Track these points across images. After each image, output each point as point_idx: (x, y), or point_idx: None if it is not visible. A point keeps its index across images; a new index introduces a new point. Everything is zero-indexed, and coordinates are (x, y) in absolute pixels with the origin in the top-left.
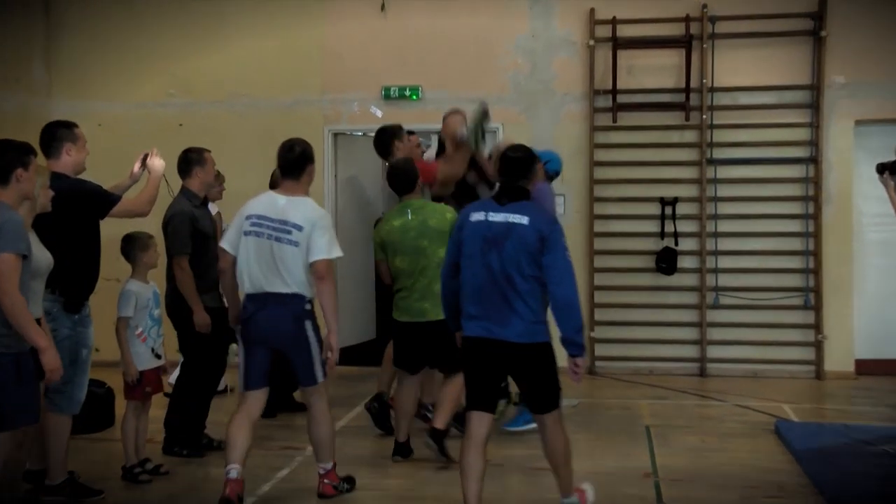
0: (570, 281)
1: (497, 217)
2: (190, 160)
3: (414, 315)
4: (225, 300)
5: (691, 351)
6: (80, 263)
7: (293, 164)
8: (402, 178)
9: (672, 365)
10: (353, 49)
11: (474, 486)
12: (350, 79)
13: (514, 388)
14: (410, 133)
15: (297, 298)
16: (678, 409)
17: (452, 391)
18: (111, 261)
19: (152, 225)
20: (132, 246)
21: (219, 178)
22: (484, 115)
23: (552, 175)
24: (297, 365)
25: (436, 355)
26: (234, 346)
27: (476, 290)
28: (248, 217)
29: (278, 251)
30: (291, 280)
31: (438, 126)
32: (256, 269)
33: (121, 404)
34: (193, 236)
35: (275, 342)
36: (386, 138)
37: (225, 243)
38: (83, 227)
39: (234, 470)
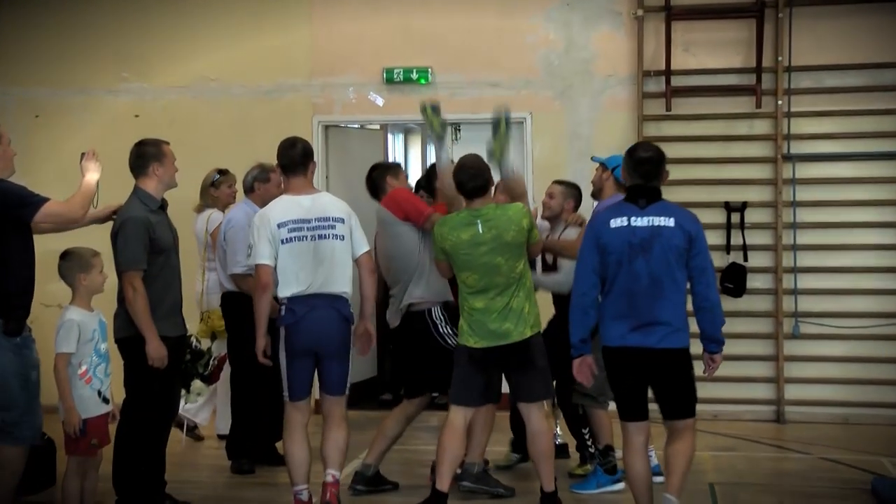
0: (715, 282)
1: (641, 221)
2: (145, 155)
3: (494, 338)
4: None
5: (765, 391)
6: (18, 279)
7: (300, 161)
8: (474, 179)
9: (741, 408)
10: (348, 23)
11: (647, 494)
12: (344, 59)
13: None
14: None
15: (342, 300)
16: (750, 463)
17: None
18: (50, 283)
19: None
20: (70, 265)
21: (228, 178)
22: (507, 124)
23: (623, 185)
24: (334, 373)
25: (517, 381)
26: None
27: (624, 299)
28: (280, 225)
29: (326, 249)
30: (340, 277)
31: (451, 116)
32: (303, 272)
33: (63, 459)
34: (149, 248)
35: (320, 345)
36: (376, 176)
37: (263, 258)
38: (12, 236)
39: (305, 491)
